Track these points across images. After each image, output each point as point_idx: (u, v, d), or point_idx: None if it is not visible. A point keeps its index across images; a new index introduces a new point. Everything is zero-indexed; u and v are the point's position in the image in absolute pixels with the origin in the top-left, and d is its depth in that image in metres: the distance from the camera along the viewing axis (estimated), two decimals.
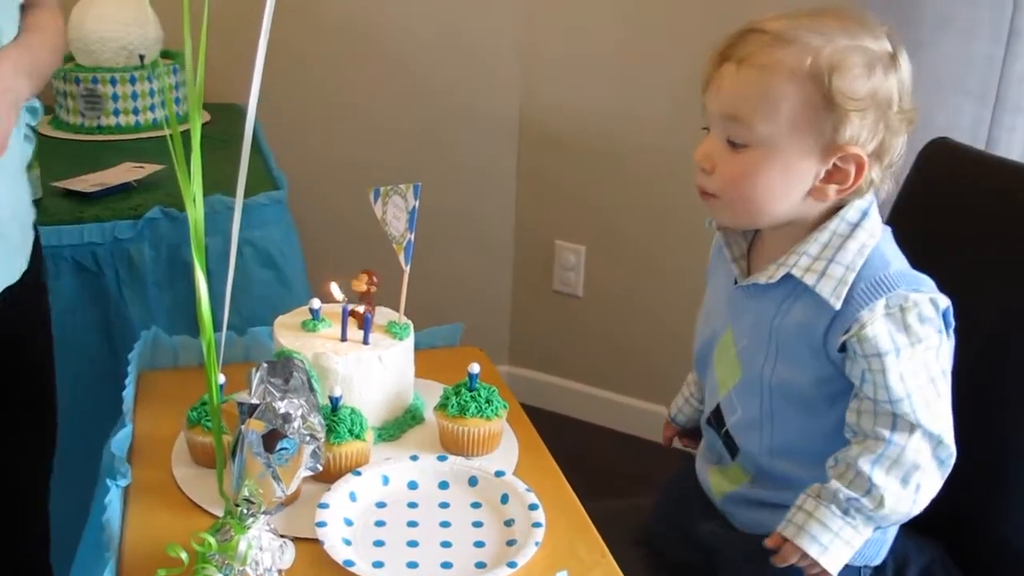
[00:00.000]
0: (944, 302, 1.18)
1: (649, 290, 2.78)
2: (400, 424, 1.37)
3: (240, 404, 1.01)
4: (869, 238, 1.20)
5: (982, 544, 1.37)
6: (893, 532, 1.30)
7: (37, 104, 1.46)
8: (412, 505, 1.22)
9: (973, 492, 1.32)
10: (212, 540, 1.02)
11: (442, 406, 1.32)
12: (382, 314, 1.40)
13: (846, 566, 1.20)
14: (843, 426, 1.21)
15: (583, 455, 2.58)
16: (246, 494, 1.03)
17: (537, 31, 2.71)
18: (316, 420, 1.04)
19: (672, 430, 1.57)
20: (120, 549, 1.13)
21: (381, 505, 1.21)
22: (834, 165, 1.17)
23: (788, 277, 1.21)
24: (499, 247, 2.95)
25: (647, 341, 2.80)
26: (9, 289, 1.40)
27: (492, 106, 2.78)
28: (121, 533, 1.15)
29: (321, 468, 1.07)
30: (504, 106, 2.79)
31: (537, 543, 1.12)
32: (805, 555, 1.18)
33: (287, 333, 1.35)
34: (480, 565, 1.11)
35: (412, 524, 1.18)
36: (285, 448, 1.01)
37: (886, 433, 1.16)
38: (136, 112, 2.24)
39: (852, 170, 1.17)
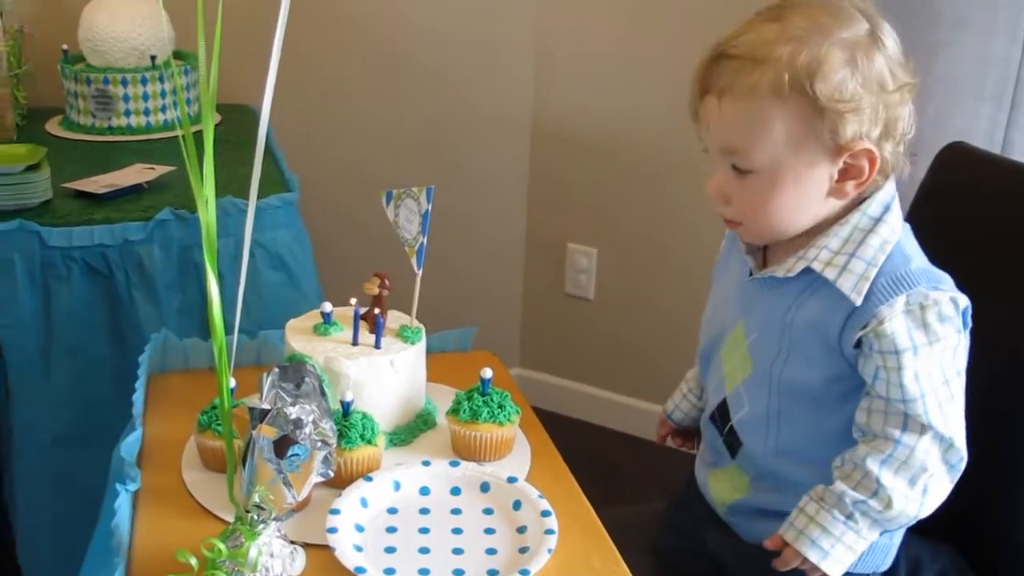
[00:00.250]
0: (964, 301, 1.17)
1: (661, 293, 2.77)
2: (412, 429, 1.36)
3: (251, 409, 1.00)
4: (891, 234, 1.18)
5: (995, 548, 1.36)
6: (899, 537, 1.29)
7: None
8: (424, 511, 1.21)
9: (986, 494, 1.30)
10: (222, 546, 1.02)
11: (454, 411, 1.31)
12: (394, 318, 1.39)
13: (851, 574, 1.19)
14: (850, 429, 1.20)
15: (594, 459, 2.57)
16: (257, 500, 1.02)
17: (550, 33, 2.70)
18: (327, 425, 1.03)
19: (667, 427, 1.55)
20: (129, 554, 1.12)
21: (392, 511, 1.20)
22: (845, 163, 1.16)
23: (807, 271, 1.20)
24: (511, 250, 2.94)
25: (659, 344, 2.78)
26: None
27: (504, 108, 2.78)
28: (130, 538, 1.14)
29: (332, 474, 1.06)
30: (516, 108, 2.78)
31: (550, 550, 1.11)
32: (806, 559, 1.18)
33: (298, 337, 1.34)
34: (492, 572, 1.10)
35: (424, 531, 1.17)
36: (296, 454, 1.01)
37: (896, 433, 1.15)
38: (147, 113, 2.24)
39: (865, 165, 1.15)
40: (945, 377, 1.16)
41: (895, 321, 1.14)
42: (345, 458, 1.21)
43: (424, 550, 1.14)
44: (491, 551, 1.14)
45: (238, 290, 1.06)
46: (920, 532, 1.27)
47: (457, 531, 1.17)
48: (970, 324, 1.18)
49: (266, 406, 1.00)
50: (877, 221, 1.19)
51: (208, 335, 1.03)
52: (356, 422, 1.23)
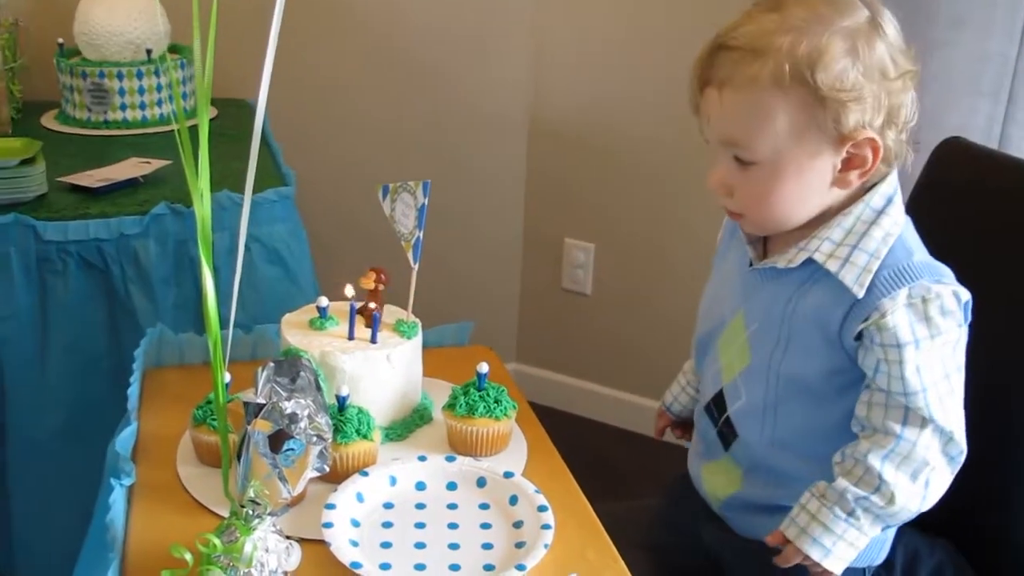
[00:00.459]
0: (965, 295, 1.16)
1: (658, 288, 2.77)
2: (408, 424, 1.36)
3: (246, 404, 1.00)
4: (893, 226, 1.18)
5: (992, 544, 1.36)
6: (893, 530, 1.28)
7: None
8: (420, 506, 1.20)
9: (982, 491, 1.30)
10: (217, 541, 1.01)
11: (450, 406, 1.31)
12: (390, 312, 1.39)
13: (849, 568, 1.19)
14: (847, 423, 1.20)
15: (591, 454, 2.57)
16: (252, 495, 1.02)
17: (547, 30, 2.70)
18: (323, 420, 1.03)
19: (666, 420, 1.55)
20: (124, 549, 1.12)
21: (388, 506, 1.20)
22: (848, 153, 1.15)
23: (808, 262, 1.20)
24: (508, 245, 2.94)
25: (656, 339, 2.78)
26: None
27: (501, 104, 2.77)
28: (125, 533, 1.14)
29: (328, 469, 1.05)
30: (514, 104, 2.78)
31: (546, 545, 1.11)
32: (808, 557, 1.18)
33: (294, 331, 1.34)
34: (489, 567, 1.10)
35: (420, 526, 1.17)
36: (291, 449, 1.00)
37: (896, 428, 1.15)
38: (143, 107, 2.23)
39: (868, 154, 1.15)
40: (946, 371, 1.15)
41: (897, 314, 1.13)
42: (341, 453, 1.21)
43: (420, 545, 1.13)
44: (487, 546, 1.14)
45: (234, 284, 1.05)
46: (917, 526, 1.27)
47: (453, 526, 1.17)
48: (971, 318, 1.18)
49: (261, 400, 1.00)
50: (880, 213, 1.18)
51: (203, 329, 1.03)
52: (352, 417, 1.23)
